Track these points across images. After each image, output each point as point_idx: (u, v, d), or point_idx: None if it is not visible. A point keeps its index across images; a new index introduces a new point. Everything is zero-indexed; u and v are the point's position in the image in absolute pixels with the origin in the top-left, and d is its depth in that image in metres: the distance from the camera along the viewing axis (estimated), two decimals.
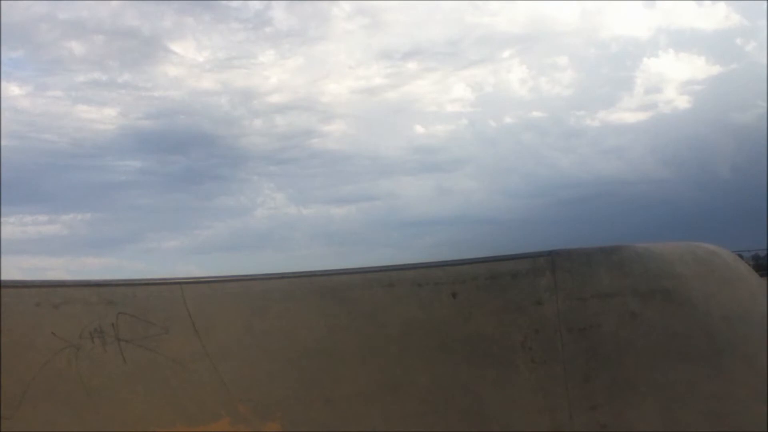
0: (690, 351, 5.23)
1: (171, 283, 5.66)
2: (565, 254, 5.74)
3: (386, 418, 5.07)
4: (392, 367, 5.38)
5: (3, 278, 5.04)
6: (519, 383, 5.26)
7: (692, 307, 5.45)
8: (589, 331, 5.39)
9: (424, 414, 5.12)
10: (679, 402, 5.03)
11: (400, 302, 5.72)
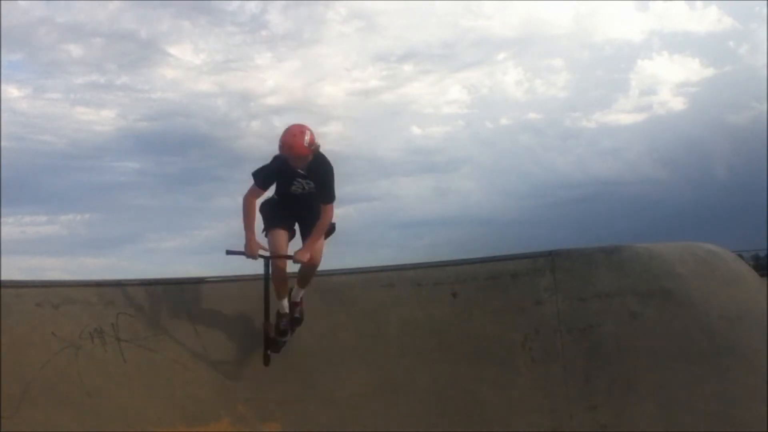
0: (690, 351, 5.23)
1: (171, 283, 5.65)
2: (565, 254, 5.73)
3: (386, 418, 5.07)
4: (392, 367, 5.38)
5: (3, 278, 5.04)
6: (519, 383, 5.25)
7: (692, 307, 5.44)
8: (589, 331, 5.39)
9: (424, 414, 5.12)
10: (679, 402, 5.02)
11: (400, 302, 5.71)
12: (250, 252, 4.88)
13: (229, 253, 4.97)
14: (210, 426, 4.84)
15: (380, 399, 5.20)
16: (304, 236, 5.08)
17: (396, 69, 48.98)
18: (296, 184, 5.06)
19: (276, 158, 5.02)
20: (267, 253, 4.97)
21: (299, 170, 4.98)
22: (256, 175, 5.02)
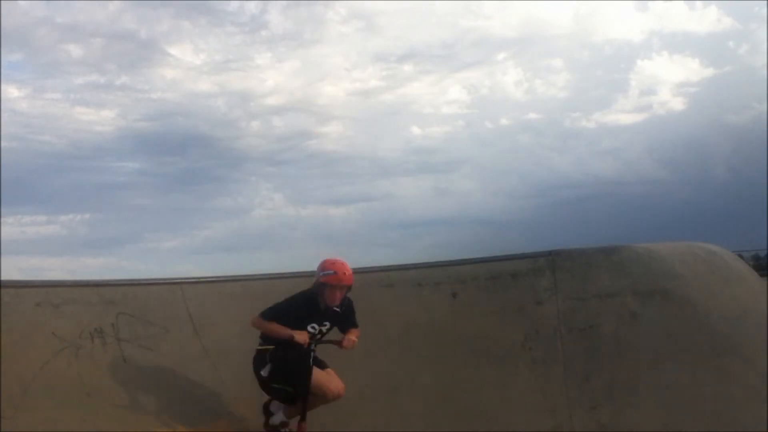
0: (690, 351, 5.22)
1: (171, 283, 5.65)
2: (565, 254, 5.73)
3: (386, 418, 5.07)
4: (392, 367, 5.38)
5: (3, 278, 5.04)
6: (519, 383, 5.25)
7: (692, 307, 5.44)
8: (589, 331, 5.39)
9: (424, 414, 5.12)
10: (679, 402, 5.02)
11: (400, 302, 5.71)
12: (299, 341, 4.59)
13: (262, 347, 4.70)
14: (210, 426, 4.83)
15: (380, 399, 5.20)
16: None
17: (396, 69, 49.08)
18: (311, 330, 4.75)
19: (301, 300, 4.79)
20: (313, 331, 4.72)
21: (334, 307, 4.77)
22: (266, 315, 4.68)
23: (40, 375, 4.54)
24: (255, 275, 5.88)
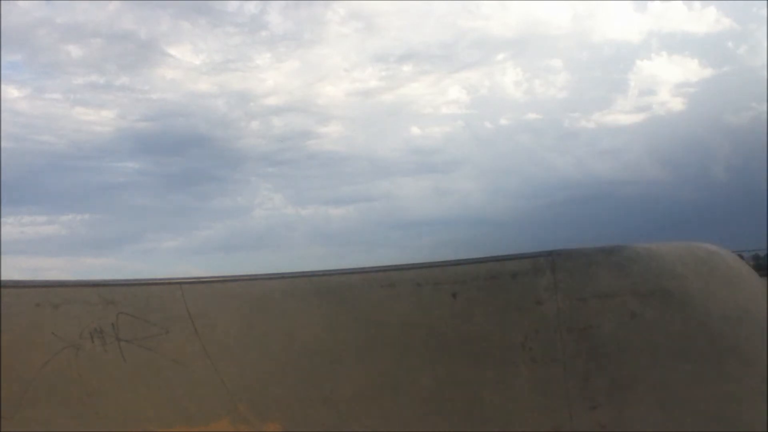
0: (690, 351, 5.23)
1: (171, 283, 5.66)
2: (565, 254, 5.73)
3: (386, 418, 5.07)
4: (392, 367, 5.38)
5: (3, 278, 5.05)
6: (519, 383, 5.26)
7: (692, 307, 5.44)
8: (589, 331, 5.39)
9: (424, 414, 5.12)
10: (679, 402, 5.03)
11: (400, 302, 5.71)
12: None
13: None
14: (210, 426, 4.84)
15: (380, 399, 5.21)
16: None
17: (395, 69, 49.26)
18: None
19: None
20: None
21: None
22: None
23: (40, 375, 4.54)
24: (255, 275, 5.87)
